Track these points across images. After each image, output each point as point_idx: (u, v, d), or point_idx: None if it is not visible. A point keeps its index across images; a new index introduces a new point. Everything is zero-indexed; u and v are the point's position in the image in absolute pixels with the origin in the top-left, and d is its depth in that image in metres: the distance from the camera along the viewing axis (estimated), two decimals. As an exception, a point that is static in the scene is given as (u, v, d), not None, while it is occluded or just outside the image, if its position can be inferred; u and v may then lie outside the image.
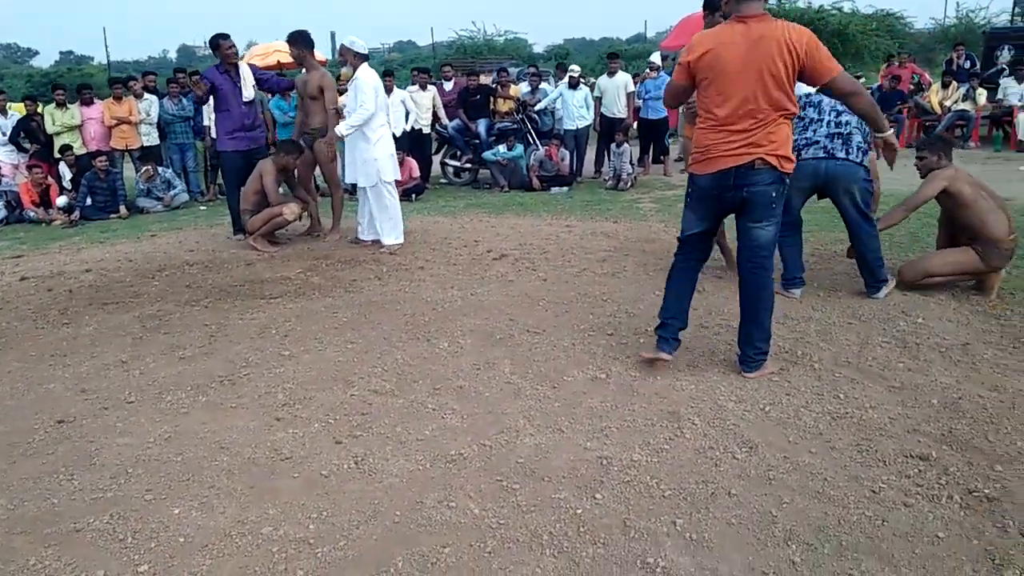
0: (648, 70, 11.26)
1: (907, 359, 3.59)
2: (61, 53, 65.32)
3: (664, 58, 12.09)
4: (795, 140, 4.34)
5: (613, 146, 9.75)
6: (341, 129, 5.89)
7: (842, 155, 4.40)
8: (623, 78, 10.30)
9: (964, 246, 4.54)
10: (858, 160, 4.41)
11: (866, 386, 3.30)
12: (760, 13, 3.04)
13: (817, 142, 4.43)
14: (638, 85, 10.75)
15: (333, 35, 70.64)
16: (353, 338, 3.95)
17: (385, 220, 6.10)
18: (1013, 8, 27.46)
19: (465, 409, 3.12)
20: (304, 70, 6.45)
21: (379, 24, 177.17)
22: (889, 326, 4.01)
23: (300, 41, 6.34)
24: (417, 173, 9.73)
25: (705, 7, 4.31)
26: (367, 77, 5.88)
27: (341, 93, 6.98)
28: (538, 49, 39.78)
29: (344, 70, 6.53)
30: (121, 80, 10.12)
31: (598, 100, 10.33)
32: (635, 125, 11.03)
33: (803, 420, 3.00)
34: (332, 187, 6.83)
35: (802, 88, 4.37)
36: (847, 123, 4.44)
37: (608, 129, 10.28)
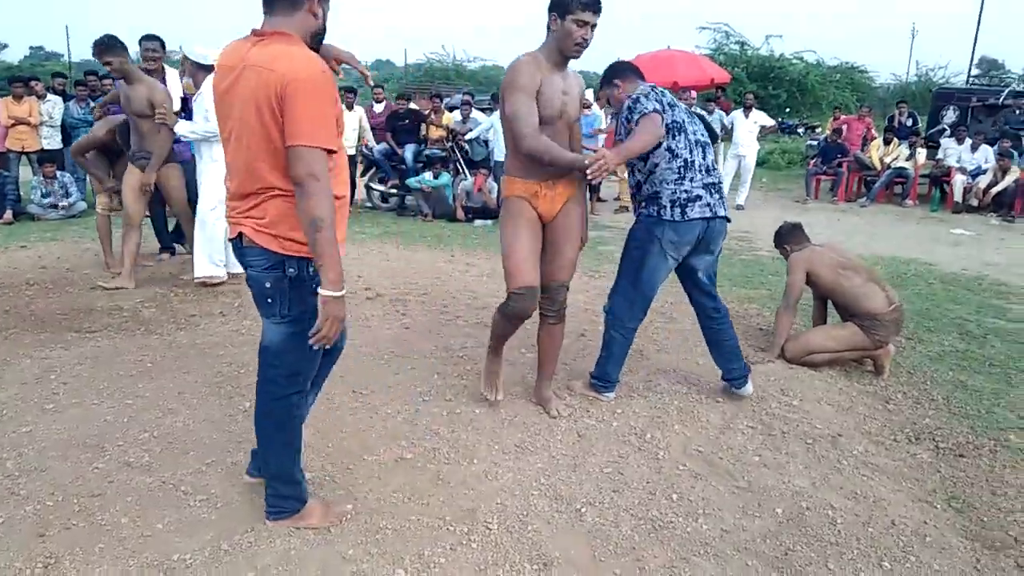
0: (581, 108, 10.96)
1: (767, 451, 3.18)
2: (31, 48, 63.67)
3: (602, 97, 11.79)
4: (673, 192, 3.32)
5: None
6: (180, 129, 5.17)
7: (722, 212, 3.48)
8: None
9: (847, 322, 4.21)
10: (727, 216, 3.54)
11: (708, 484, 2.87)
12: (278, 31, 2.08)
13: (700, 197, 3.36)
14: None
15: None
16: (143, 390, 3.42)
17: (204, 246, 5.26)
18: (969, 68, 28.08)
19: (226, 494, 2.60)
20: (124, 81, 5.14)
21: (358, 41, 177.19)
22: (759, 407, 3.60)
23: (118, 47, 5.03)
24: (334, 196, 9.24)
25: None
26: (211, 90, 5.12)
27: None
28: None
29: (185, 80, 5.63)
30: (22, 79, 9.52)
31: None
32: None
33: (620, 529, 2.55)
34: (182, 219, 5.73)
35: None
36: (714, 168, 3.51)
37: None
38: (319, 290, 2.04)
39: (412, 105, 11.26)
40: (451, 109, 11.73)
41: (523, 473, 2.86)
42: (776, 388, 3.84)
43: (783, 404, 3.66)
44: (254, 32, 2.11)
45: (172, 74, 5.84)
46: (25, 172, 9.57)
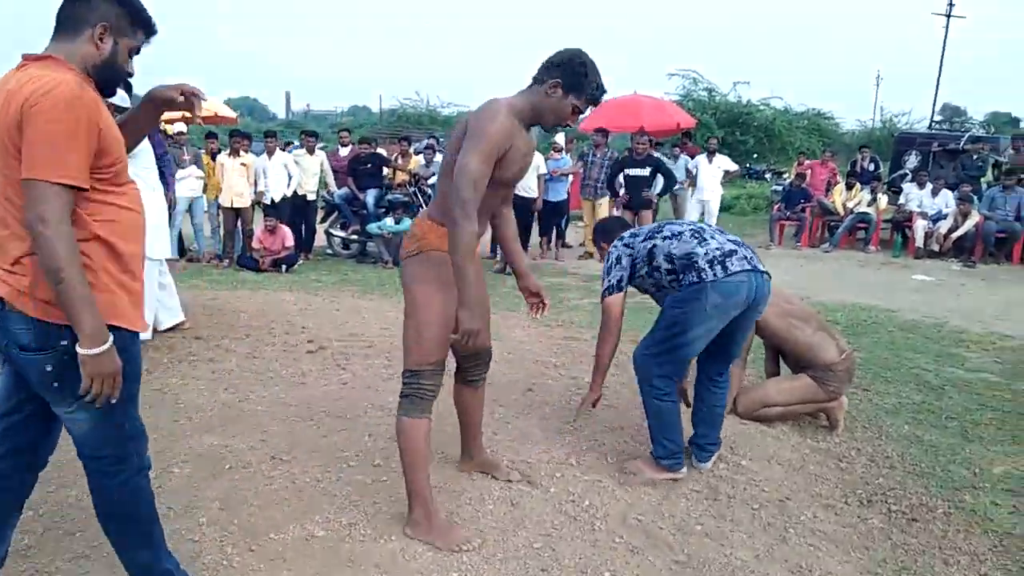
0: (551, 151, 10.94)
1: (710, 518, 2.98)
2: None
3: (570, 140, 11.77)
4: (705, 252, 3.09)
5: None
6: None
7: (762, 267, 3.19)
8: (536, 159, 9.83)
9: (799, 373, 4.07)
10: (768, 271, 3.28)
11: (644, 559, 2.66)
12: (48, 55, 1.84)
13: (735, 251, 3.13)
14: (541, 165, 10.32)
15: (288, 95, 70.28)
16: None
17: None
18: (932, 114, 28.71)
19: (106, 583, 2.37)
20: None
21: (336, 87, 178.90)
22: (718, 465, 3.42)
23: None
24: (290, 242, 9.04)
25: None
26: None
27: None
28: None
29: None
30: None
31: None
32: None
33: (543, 614, 2.34)
34: None
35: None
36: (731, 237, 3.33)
37: (518, 211, 9.69)
38: (76, 348, 1.76)
39: (381, 150, 11.12)
40: (417, 153, 11.67)
41: (444, 551, 2.64)
42: (725, 446, 3.66)
43: (731, 465, 3.48)
44: (23, 57, 1.85)
45: None
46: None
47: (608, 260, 3.39)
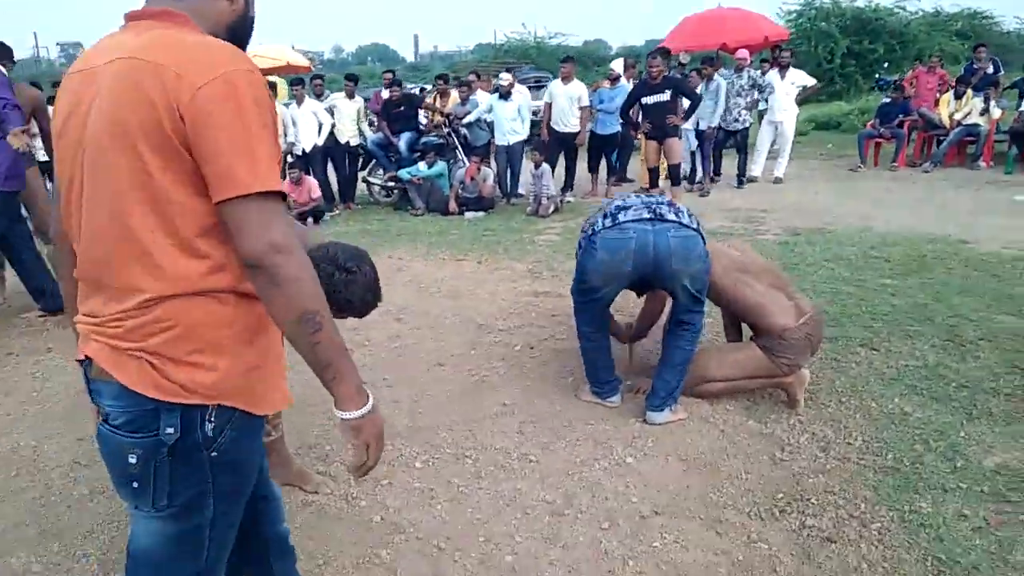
0: (605, 78, 9.97)
1: (534, 542, 2.36)
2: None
3: (631, 66, 10.65)
4: (601, 209, 3.21)
5: (531, 168, 8.51)
6: None
7: (673, 217, 2.99)
8: (577, 89, 8.93)
9: (750, 342, 3.30)
10: (695, 226, 3.02)
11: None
12: (164, 9, 1.28)
13: (631, 205, 3.08)
14: (592, 94, 9.39)
15: (416, 38, 70.67)
16: None
17: None
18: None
19: None
20: None
21: (466, 24, 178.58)
22: (577, 468, 2.78)
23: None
24: (317, 194, 8.74)
25: None
26: None
27: None
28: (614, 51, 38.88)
29: None
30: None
31: (548, 107, 9.05)
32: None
33: None
34: None
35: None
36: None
37: (558, 144, 8.97)
38: (336, 412, 1.30)
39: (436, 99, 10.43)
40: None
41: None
42: (626, 435, 3.00)
43: (613, 462, 2.82)
44: (128, 17, 1.31)
45: None
46: None
47: None
